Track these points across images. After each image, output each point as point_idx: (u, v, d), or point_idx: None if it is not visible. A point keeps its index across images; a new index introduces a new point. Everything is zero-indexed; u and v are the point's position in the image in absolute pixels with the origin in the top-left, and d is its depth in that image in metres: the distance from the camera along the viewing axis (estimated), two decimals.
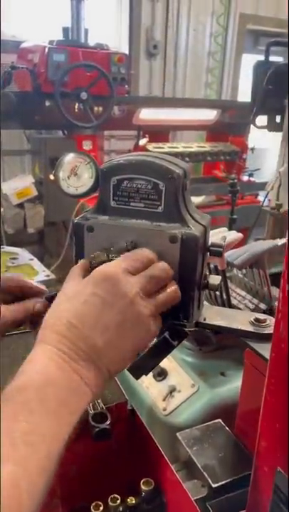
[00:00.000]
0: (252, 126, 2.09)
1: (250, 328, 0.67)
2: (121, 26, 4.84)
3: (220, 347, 1.31)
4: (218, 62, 5.39)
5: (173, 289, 0.59)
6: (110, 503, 0.75)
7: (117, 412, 0.85)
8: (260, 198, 3.81)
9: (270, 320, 0.66)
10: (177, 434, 0.97)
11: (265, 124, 1.96)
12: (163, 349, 0.76)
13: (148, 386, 1.27)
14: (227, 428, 0.99)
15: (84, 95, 2.96)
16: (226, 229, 1.27)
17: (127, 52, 4.48)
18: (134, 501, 0.77)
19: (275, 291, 1.27)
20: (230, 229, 1.44)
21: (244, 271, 1.31)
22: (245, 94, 5.11)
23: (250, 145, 4.02)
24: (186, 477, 0.89)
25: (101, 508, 0.75)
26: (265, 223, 2.05)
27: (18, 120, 3.21)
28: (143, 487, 0.78)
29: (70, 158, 0.66)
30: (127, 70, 3.40)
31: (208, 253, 0.67)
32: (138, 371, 0.81)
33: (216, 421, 1.01)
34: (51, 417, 0.45)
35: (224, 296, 1.22)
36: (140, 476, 0.80)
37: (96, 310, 0.52)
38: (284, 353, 0.52)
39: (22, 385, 0.46)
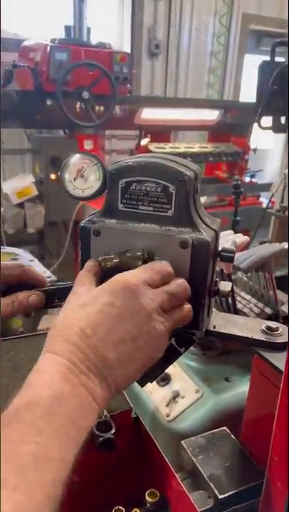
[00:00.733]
0: (254, 126, 2.07)
1: (262, 337, 0.65)
2: (123, 25, 4.82)
3: (224, 352, 1.29)
4: (220, 62, 5.37)
5: (188, 307, 0.58)
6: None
7: (121, 420, 0.83)
8: (262, 199, 3.79)
9: (283, 328, 0.64)
10: (182, 442, 0.95)
11: (270, 125, 1.94)
12: (169, 356, 0.74)
13: (151, 391, 1.25)
14: (233, 436, 0.97)
15: (86, 94, 2.94)
16: (232, 232, 1.25)
17: (129, 51, 4.46)
18: None
19: (281, 295, 1.25)
20: (234, 231, 1.42)
21: (249, 274, 1.29)
22: (247, 94, 5.10)
23: (252, 146, 4.00)
24: (192, 487, 0.87)
25: None
26: (268, 225, 2.03)
27: (19, 119, 3.19)
28: (148, 498, 0.75)
29: (76, 159, 0.64)
30: (129, 70, 3.38)
31: (219, 258, 0.65)
32: (143, 379, 0.78)
33: (222, 429, 0.98)
34: (61, 438, 0.42)
35: (230, 301, 1.19)
36: (145, 486, 0.77)
37: (111, 321, 0.50)
38: None
39: (29, 401, 0.43)
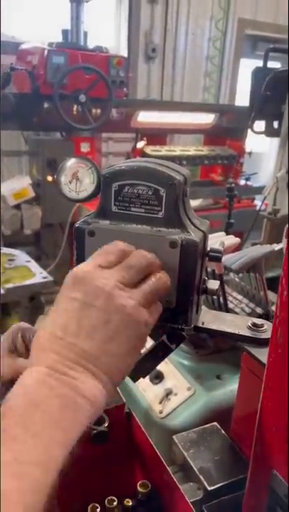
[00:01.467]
0: (249, 130, 2.11)
1: (248, 333, 0.68)
2: (120, 29, 4.86)
3: (216, 350, 1.32)
4: (216, 66, 5.42)
5: (159, 275, 0.55)
6: (107, 505, 0.76)
7: (115, 414, 0.85)
8: (257, 201, 3.84)
9: (268, 325, 0.67)
10: (173, 436, 0.98)
11: (263, 129, 1.98)
12: (161, 352, 0.77)
13: (144, 389, 1.28)
14: (223, 431, 1.00)
15: (82, 98, 2.97)
16: (223, 233, 1.29)
17: (125, 55, 4.50)
18: (130, 503, 0.77)
19: (272, 296, 1.28)
20: (227, 233, 1.46)
21: (241, 275, 1.32)
22: (242, 98, 5.15)
23: (247, 149, 4.05)
24: (182, 480, 0.90)
25: (98, 510, 0.75)
26: (261, 227, 2.07)
27: (17, 121, 3.22)
28: (140, 489, 0.78)
29: (71, 163, 0.67)
30: (126, 73, 3.42)
31: (207, 258, 0.68)
32: (135, 374, 0.82)
33: (212, 424, 1.01)
34: (37, 441, 0.41)
35: (221, 301, 1.23)
36: (137, 478, 0.80)
37: (76, 314, 0.49)
38: (281, 358, 0.53)
39: (3, 413, 0.42)
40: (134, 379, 0.83)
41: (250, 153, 4.04)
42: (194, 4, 5.04)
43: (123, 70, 3.33)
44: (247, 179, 4.01)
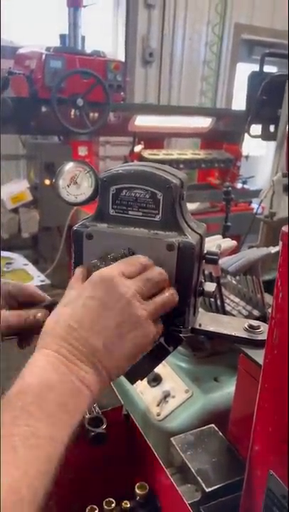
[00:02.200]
0: (246, 134, 2.13)
1: (244, 335, 0.69)
2: (117, 34, 4.88)
3: (214, 353, 1.32)
4: (213, 70, 5.45)
5: (171, 292, 0.60)
6: (105, 507, 0.76)
7: (113, 416, 0.86)
8: (254, 205, 3.85)
9: (264, 326, 0.68)
10: (171, 439, 0.98)
11: (259, 133, 2.00)
12: (158, 354, 0.78)
13: (142, 391, 1.28)
14: (220, 433, 1.00)
15: (80, 102, 2.99)
16: (220, 236, 1.30)
17: (123, 59, 4.52)
18: (128, 505, 0.78)
19: (269, 298, 1.29)
20: (223, 236, 1.47)
21: (238, 278, 1.33)
22: (239, 102, 5.18)
23: (244, 152, 4.07)
24: (180, 481, 0.90)
25: (96, 511, 0.76)
26: (258, 230, 2.08)
27: (15, 125, 3.23)
28: (138, 491, 0.79)
29: (69, 167, 0.67)
30: (123, 77, 3.44)
31: (204, 261, 0.69)
32: (133, 376, 0.82)
33: (210, 426, 1.02)
34: (50, 420, 0.46)
35: (218, 303, 1.23)
36: (135, 480, 0.81)
37: (94, 312, 0.54)
38: (277, 359, 0.54)
39: (20, 390, 0.47)
40: (132, 381, 0.83)
41: (247, 157, 4.06)
42: (191, 9, 5.08)
43: (120, 74, 3.35)
44: (244, 182, 4.03)
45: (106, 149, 4.61)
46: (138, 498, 0.79)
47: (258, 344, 0.67)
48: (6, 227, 3.51)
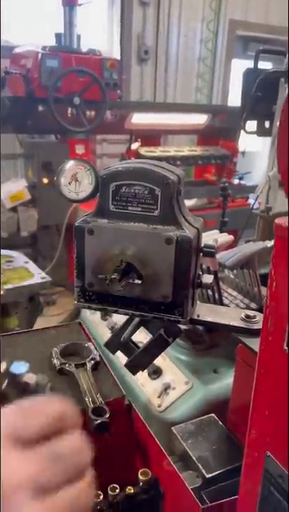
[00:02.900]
0: (242, 130, 2.15)
1: (241, 324, 0.72)
2: (112, 32, 4.89)
3: (212, 345, 1.35)
4: (208, 67, 5.47)
5: (85, 486, 0.36)
6: (110, 492, 0.79)
7: (115, 406, 0.89)
8: (250, 200, 3.88)
9: (259, 316, 0.71)
10: (172, 428, 1.01)
11: (255, 129, 2.02)
12: (158, 346, 0.81)
13: (143, 384, 1.31)
14: (220, 422, 1.03)
15: (77, 100, 3.01)
16: (217, 231, 1.32)
17: (118, 57, 4.54)
18: (132, 491, 0.80)
19: (265, 291, 1.32)
20: (221, 231, 1.49)
21: (235, 272, 1.36)
22: (235, 99, 5.20)
23: (240, 148, 4.09)
24: (182, 468, 0.93)
25: (101, 497, 0.79)
26: (255, 225, 2.11)
27: (12, 124, 3.24)
28: (141, 477, 0.81)
29: (70, 165, 0.70)
30: (119, 75, 3.45)
31: (202, 254, 0.72)
32: (135, 367, 0.85)
33: (210, 415, 1.05)
34: None
35: (216, 296, 1.26)
36: (138, 466, 0.84)
37: None
38: (272, 345, 0.57)
39: None
40: (134, 372, 0.86)
41: (243, 153, 4.09)
42: (186, 6, 5.09)
43: (116, 73, 3.37)
44: (240, 178, 4.06)
45: (103, 147, 4.62)
46: (141, 484, 0.82)
47: (254, 333, 0.69)
48: (5, 225, 3.53)
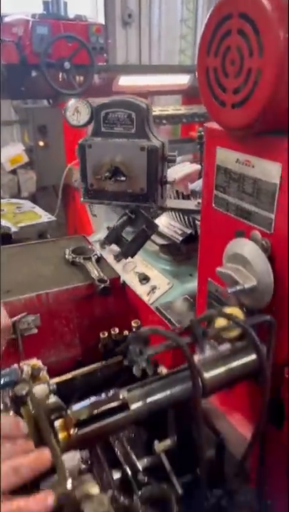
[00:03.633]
0: None
1: (195, 207, 1.06)
2: None
3: (189, 256, 1.70)
4: (190, 28, 5.62)
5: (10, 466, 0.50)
6: (112, 332, 1.15)
7: (113, 283, 1.24)
8: None
9: None
10: (158, 305, 1.37)
11: None
12: (142, 237, 1.16)
13: (135, 287, 1.67)
14: (192, 300, 1.39)
15: (67, 65, 3.24)
16: (188, 163, 1.65)
17: (103, 22, 4.70)
18: (127, 333, 1.17)
19: None
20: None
21: None
22: None
23: None
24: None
25: (106, 334, 1.15)
26: None
27: (7, 91, 3.48)
28: (133, 324, 1.17)
29: (72, 102, 1.02)
30: (105, 40, 3.66)
31: (167, 161, 1.05)
32: (126, 254, 1.20)
33: (185, 296, 1.41)
34: None
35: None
36: (131, 319, 1.19)
37: None
38: (205, 206, 0.91)
39: None
40: (126, 257, 1.22)
41: None
42: None
43: (102, 37, 3.57)
44: None
45: None
46: (134, 329, 1.18)
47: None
48: (6, 187, 3.82)
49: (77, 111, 1.01)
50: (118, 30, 5.12)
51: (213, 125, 0.86)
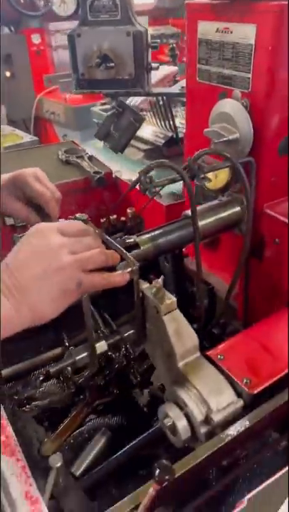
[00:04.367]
0: None
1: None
2: None
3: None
4: None
5: (97, 250, 0.67)
6: (111, 218, 1.28)
7: (106, 177, 1.35)
8: None
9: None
10: None
11: None
12: (130, 129, 1.26)
13: None
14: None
15: None
16: (166, 66, 1.72)
17: None
18: (124, 219, 1.29)
19: None
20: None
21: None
22: None
23: None
24: None
25: (105, 219, 1.27)
26: None
27: None
28: (129, 211, 1.30)
29: None
30: None
31: (150, 48, 1.13)
32: (115, 148, 1.31)
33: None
34: None
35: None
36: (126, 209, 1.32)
37: (26, 254, 0.62)
38: (190, 79, 1.01)
39: None
40: (116, 151, 1.32)
41: None
42: None
43: None
44: None
45: (56, 38, 4.66)
46: (130, 216, 1.30)
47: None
48: None
49: (63, 2, 1.07)
50: None
51: (194, 1, 0.94)
